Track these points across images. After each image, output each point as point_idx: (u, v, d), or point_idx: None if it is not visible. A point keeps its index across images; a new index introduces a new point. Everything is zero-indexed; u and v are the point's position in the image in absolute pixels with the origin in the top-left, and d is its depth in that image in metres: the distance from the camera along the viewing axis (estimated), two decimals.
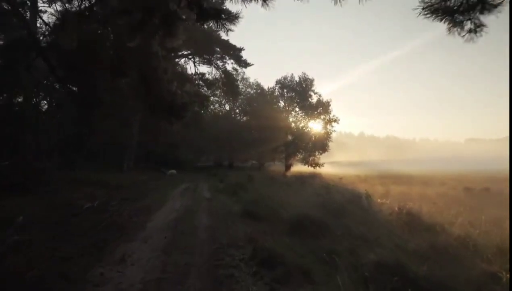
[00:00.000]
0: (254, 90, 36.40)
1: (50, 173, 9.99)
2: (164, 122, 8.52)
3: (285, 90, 33.89)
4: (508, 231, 4.95)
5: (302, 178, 19.41)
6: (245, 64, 16.72)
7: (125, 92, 7.59)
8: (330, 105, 33.26)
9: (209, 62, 17.57)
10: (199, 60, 18.24)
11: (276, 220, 6.32)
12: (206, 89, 18.43)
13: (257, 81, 35.98)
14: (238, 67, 16.94)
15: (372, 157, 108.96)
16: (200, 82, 17.17)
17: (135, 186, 12.17)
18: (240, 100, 38.26)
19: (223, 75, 17.47)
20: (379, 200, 9.32)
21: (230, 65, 16.99)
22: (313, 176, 22.03)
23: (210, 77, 17.99)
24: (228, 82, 17.48)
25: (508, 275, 3.02)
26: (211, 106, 38.92)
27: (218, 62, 17.08)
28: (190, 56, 17.61)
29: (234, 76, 17.63)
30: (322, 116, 33.09)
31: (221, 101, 39.46)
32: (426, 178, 24.37)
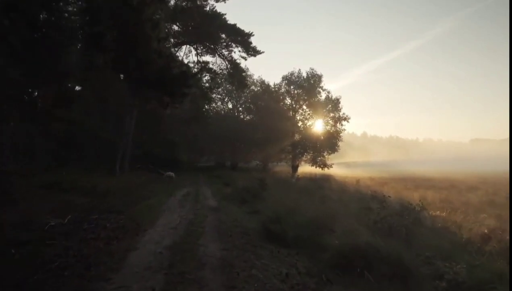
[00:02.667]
0: (259, 88, 34.48)
1: (12, 176, 8.08)
2: (156, 105, 6.50)
3: (291, 87, 31.93)
4: None
5: (316, 181, 17.47)
6: (254, 51, 14.70)
7: (103, 67, 5.67)
8: (339, 102, 31.32)
9: (213, 52, 15.64)
10: (201, 50, 16.34)
11: (317, 249, 4.40)
12: (209, 81, 16.36)
13: (261, 78, 34.02)
14: (246, 55, 14.98)
15: (377, 157, 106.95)
16: (203, 71, 15.23)
17: (126, 191, 10.27)
18: (243, 98, 36.41)
19: (229, 65, 15.51)
20: (431, 212, 7.38)
21: (237, 53, 15.07)
22: (327, 179, 20.05)
23: (214, 67, 16.01)
24: (235, 73, 15.50)
25: None
26: (213, 104, 37.05)
27: (224, 50, 15.16)
28: (192, 44, 15.69)
29: (242, 67, 15.65)
30: (331, 114, 31.15)
31: (223, 98, 37.62)
32: (450, 180, 22.38)
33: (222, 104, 38.12)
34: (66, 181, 11.31)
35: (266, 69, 47.76)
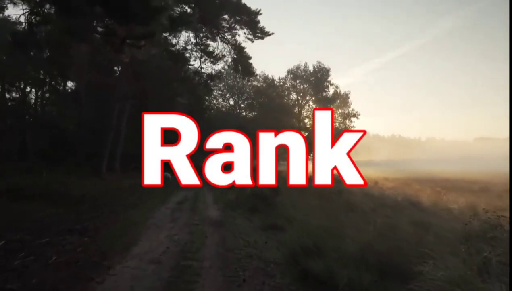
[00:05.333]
0: (261, 83, 32.57)
1: None
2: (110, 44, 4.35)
3: (297, 81, 29.97)
4: None
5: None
6: (262, 32, 12.65)
7: None
8: (349, 97, 29.40)
9: (214, 36, 13.61)
10: (202, 36, 14.32)
11: None
12: (211, 66, 14.26)
13: (264, 73, 32.05)
14: (252, 37, 12.94)
15: (380, 156, 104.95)
16: (202, 54, 13.18)
17: (107, 198, 8.35)
18: (246, 94, 34.55)
19: (233, 50, 13.46)
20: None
21: (241, 36, 13.05)
22: (339, 180, 18.00)
23: (216, 52, 13.87)
24: (240, 58, 13.40)
25: None
26: (214, 101, 35.11)
27: (226, 34, 13.12)
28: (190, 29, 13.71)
29: (247, 52, 13.57)
30: (340, 110, 29.24)
31: (224, 94, 35.69)
32: (475, 181, 20.35)
33: (223, 100, 36.23)
34: (37, 185, 9.45)
35: (263, 64, 45.75)
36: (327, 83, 29.21)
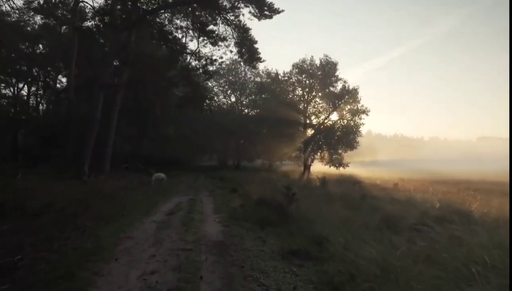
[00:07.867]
0: (265, 79, 30.85)
1: None
2: None
3: (303, 76, 28.10)
4: None
5: (344, 185, 13.76)
6: (270, 10, 10.75)
7: None
8: (358, 93, 27.51)
9: (214, 17, 11.84)
10: (202, 19, 12.57)
11: None
12: (211, 47, 12.42)
13: (267, 69, 30.27)
14: (259, 15, 11.11)
15: (384, 156, 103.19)
16: (200, 34, 11.40)
17: (78, 206, 6.61)
18: (248, 90, 32.86)
19: (236, 33, 11.61)
20: None
21: (247, 15, 11.22)
22: (353, 181, 16.23)
23: (216, 31, 12.01)
24: (245, 41, 11.51)
25: None
26: (214, 98, 33.40)
27: (229, 15, 11.31)
28: (186, 14, 11.90)
29: (253, 36, 11.69)
30: (349, 107, 27.35)
31: (226, 91, 33.99)
32: (500, 183, 18.48)
33: (224, 97, 34.57)
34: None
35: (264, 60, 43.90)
36: (335, 78, 27.40)
